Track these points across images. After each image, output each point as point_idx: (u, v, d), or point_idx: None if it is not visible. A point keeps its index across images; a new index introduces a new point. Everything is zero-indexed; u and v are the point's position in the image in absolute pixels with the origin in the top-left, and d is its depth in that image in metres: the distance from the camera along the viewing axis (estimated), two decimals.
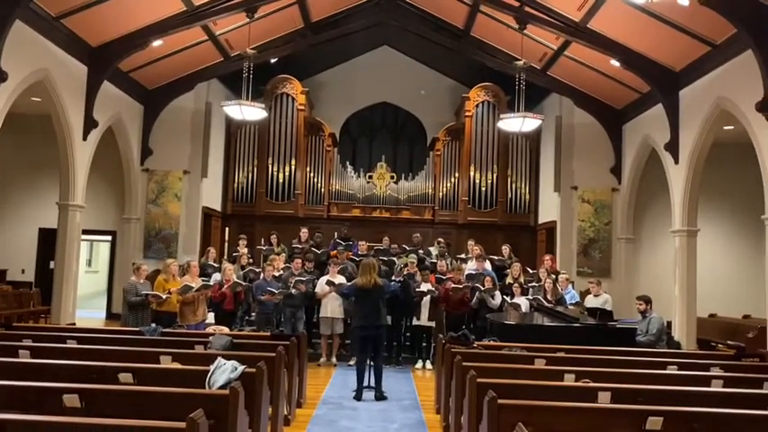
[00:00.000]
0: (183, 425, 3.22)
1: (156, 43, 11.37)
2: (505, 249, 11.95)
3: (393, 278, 10.04)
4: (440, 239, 12.72)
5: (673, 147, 11.05)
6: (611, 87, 12.65)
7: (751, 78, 8.59)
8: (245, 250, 11.50)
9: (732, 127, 10.56)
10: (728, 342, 10.90)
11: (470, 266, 11.08)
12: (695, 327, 10.80)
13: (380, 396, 7.60)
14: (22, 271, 14.48)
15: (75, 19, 9.96)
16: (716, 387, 5.21)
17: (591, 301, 9.68)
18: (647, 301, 8.43)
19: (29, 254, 14.53)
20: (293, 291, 9.57)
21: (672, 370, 5.88)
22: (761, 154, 8.62)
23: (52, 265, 11.60)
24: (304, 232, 12.41)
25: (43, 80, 9.82)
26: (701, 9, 8.40)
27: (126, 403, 3.96)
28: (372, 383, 7.73)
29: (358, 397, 7.56)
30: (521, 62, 11.50)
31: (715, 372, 5.75)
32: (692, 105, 10.53)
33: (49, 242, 12.88)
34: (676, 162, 11.03)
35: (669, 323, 10.27)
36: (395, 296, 9.13)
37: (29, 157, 14.31)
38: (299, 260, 10.20)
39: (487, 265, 10.91)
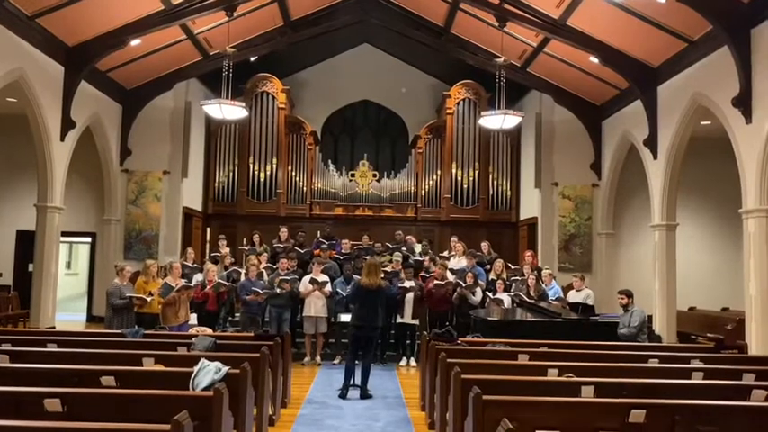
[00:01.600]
0: (167, 427, 3.20)
1: (134, 42, 11.25)
2: (484, 246, 11.99)
3: None
4: (424, 242, 12.74)
5: (651, 142, 11.19)
6: (590, 84, 12.76)
7: (727, 74, 8.72)
8: (227, 250, 11.43)
9: (709, 122, 10.70)
10: (708, 334, 11.05)
11: (454, 263, 11.11)
12: (675, 320, 10.96)
13: (365, 394, 7.60)
14: (0, 274, 14.26)
15: (50, 18, 9.81)
16: (696, 379, 5.29)
17: (573, 296, 9.78)
18: (629, 294, 8.52)
19: (6, 257, 14.29)
20: (278, 290, 9.55)
21: (653, 363, 5.95)
22: (737, 148, 8.75)
23: (31, 267, 11.44)
24: (283, 231, 12.35)
25: (19, 80, 9.66)
26: (677, 6, 8.51)
27: (109, 407, 3.93)
28: (358, 382, 7.73)
29: (343, 395, 7.56)
30: (501, 59, 11.54)
31: (695, 364, 5.84)
32: (670, 101, 10.66)
33: (27, 245, 12.69)
34: (655, 157, 11.16)
35: (650, 317, 10.38)
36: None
37: (5, 158, 14.08)
38: (285, 260, 10.14)
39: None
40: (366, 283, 7.70)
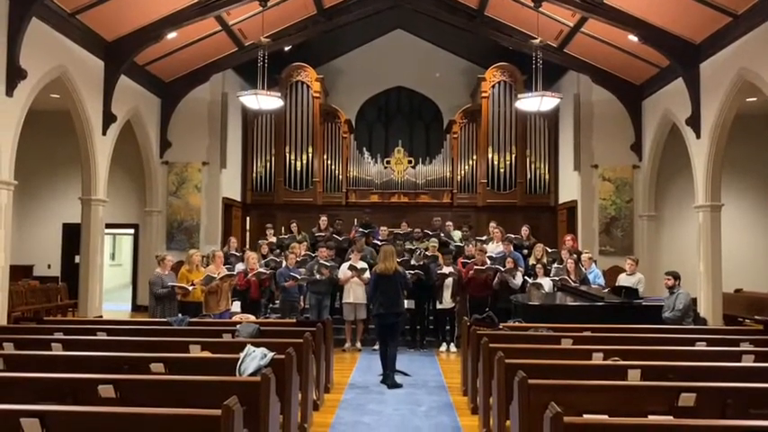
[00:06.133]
0: (218, 412, 3.26)
1: (171, 35, 11.40)
2: (524, 230, 11.86)
3: (413, 263, 10.04)
4: (448, 224, 12.67)
5: (694, 121, 10.88)
6: (629, 63, 12.47)
7: None
8: (274, 239, 11.57)
9: (755, 98, 10.39)
10: (756, 317, 10.79)
11: (492, 248, 11.03)
12: (721, 303, 10.68)
13: (393, 384, 7.42)
14: (48, 266, 14.71)
15: (89, 14, 10.01)
16: (747, 362, 5.17)
17: (624, 280, 9.57)
18: (676, 276, 8.34)
19: (54, 249, 14.75)
20: (317, 276, 9.65)
21: (701, 346, 5.83)
22: None
23: (77, 259, 11.75)
24: (323, 220, 12.42)
25: (61, 76, 9.90)
26: None
27: (160, 392, 4.02)
28: (401, 369, 7.75)
29: (385, 381, 7.58)
30: (537, 40, 11.34)
31: (745, 347, 5.70)
32: (714, 78, 10.35)
33: (73, 237, 13.06)
34: (698, 136, 10.86)
35: (695, 299, 10.17)
36: (418, 279, 9.14)
37: (50, 153, 14.48)
38: (325, 249, 10.21)
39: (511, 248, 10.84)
40: (382, 269, 7.64)
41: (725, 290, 10.99)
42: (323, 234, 11.77)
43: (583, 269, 10.11)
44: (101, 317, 10.47)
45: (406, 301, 8.43)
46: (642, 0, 10.17)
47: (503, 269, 9.79)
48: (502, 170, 15.13)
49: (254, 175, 15.38)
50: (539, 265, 10.17)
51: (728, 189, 11.74)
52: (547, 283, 9.81)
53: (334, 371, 7.63)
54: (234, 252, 10.78)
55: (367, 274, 9.83)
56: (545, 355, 5.24)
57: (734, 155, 11.92)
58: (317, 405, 6.33)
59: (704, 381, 4.21)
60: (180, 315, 7.38)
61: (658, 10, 10.23)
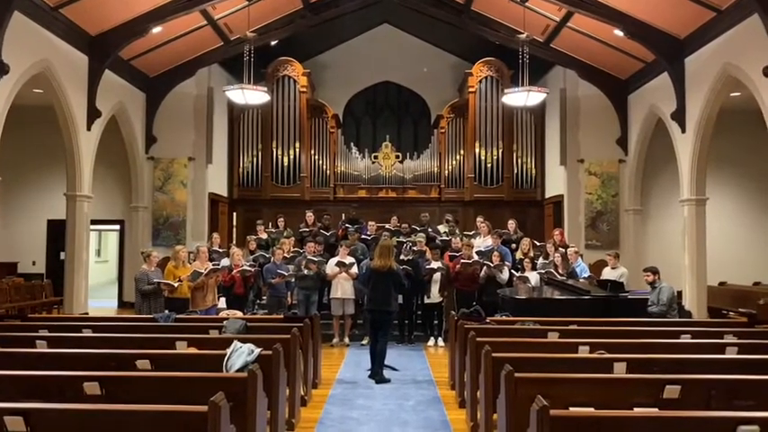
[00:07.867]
0: (204, 408, 3.25)
1: (156, 30, 11.29)
2: (511, 224, 11.88)
3: (402, 257, 10.04)
4: (448, 217, 12.71)
5: (679, 116, 10.97)
6: (615, 58, 12.52)
7: (757, 43, 8.49)
8: (265, 235, 11.54)
9: (739, 93, 10.47)
10: (740, 309, 10.92)
11: (480, 243, 11.05)
12: (706, 295, 10.79)
13: (381, 379, 7.41)
14: (33, 263, 14.56)
15: (73, 8, 9.89)
16: (731, 354, 5.23)
17: (608, 274, 9.67)
18: (655, 272, 8.43)
19: (38, 246, 14.60)
20: (305, 271, 9.63)
21: (686, 339, 5.89)
22: None
23: (62, 256, 11.65)
24: (309, 216, 12.36)
25: (45, 71, 9.78)
26: None
27: (146, 389, 4.00)
28: (388, 363, 7.75)
29: (373, 376, 7.58)
30: (523, 35, 11.37)
31: (729, 339, 5.77)
32: (698, 73, 10.42)
33: (58, 233, 12.92)
34: (683, 131, 10.94)
35: (680, 293, 10.25)
36: (407, 274, 9.15)
37: (34, 149, 14.28)
38: (312, 244, 10.19)
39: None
40: (377, 265, 7.59)
41: (709, 283, 11.10)
42: (309, 230, 11.74)
43: (570, 263, 10.17)
44: (86, 314, 10.39)
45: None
46: None
47: (492, 264, 9.81)
48: (489, 165, 15.16)
49: (241, 170, 15.29)
50: (526, 260, 10.21)
51: (713, 183, 11.83)
52: (534, 277, 9.86)
53: (321, 366, 7.62)
54: (216, 248, 10.71)
55: (354, 269, 9.83)
56: (532, 348, 5.26)
57: (719, 149, 12.02)
58: (304, 401, 6.32)
59: (689, 373, 4.24)
60: (166, 311, 7.34)
61: (644, 5, 10.28)
